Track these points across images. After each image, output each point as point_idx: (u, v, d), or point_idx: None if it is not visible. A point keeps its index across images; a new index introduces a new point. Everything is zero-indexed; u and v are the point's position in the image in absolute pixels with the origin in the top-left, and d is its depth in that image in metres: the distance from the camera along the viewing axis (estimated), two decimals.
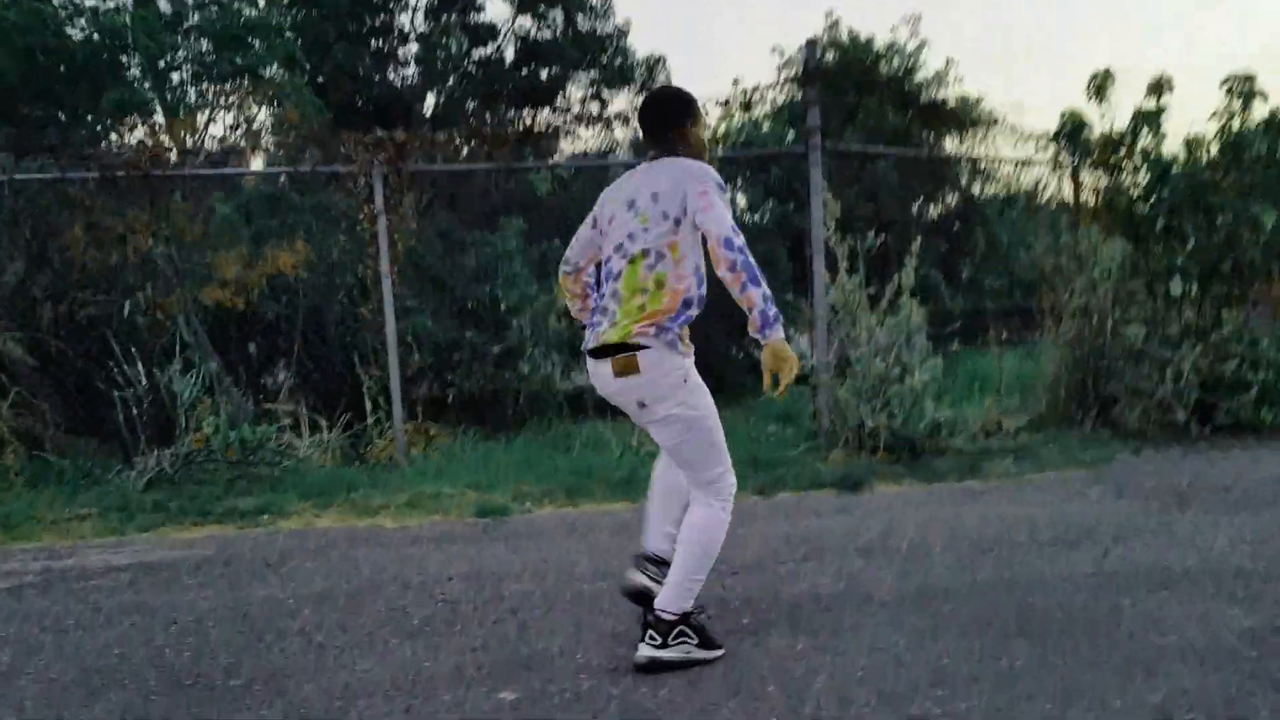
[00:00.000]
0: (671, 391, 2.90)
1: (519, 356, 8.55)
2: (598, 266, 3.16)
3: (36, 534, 5.39)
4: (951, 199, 18.47)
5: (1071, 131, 7.84)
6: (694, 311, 2.95)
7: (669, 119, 3.08)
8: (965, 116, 19.22)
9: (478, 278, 13.65)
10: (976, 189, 18.12)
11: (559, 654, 3.14)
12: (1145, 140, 7.82)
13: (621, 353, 2.88)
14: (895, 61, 17.93)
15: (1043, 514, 4.84)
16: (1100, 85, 7.86)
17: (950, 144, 17.82)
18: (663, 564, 3.13)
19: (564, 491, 5.87)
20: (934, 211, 19.57)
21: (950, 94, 21.11)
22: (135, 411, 6.21)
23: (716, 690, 2.80)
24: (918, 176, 14.23)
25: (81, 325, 6.87)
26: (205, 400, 6.14)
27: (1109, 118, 8.05)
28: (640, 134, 3.09)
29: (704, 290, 2.99)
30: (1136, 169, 7.90)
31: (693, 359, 2.98)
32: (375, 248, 6.92)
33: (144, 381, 6.18)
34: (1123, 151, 7.81)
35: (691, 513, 3.02)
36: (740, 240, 2.77)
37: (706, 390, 2.98)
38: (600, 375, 2.98)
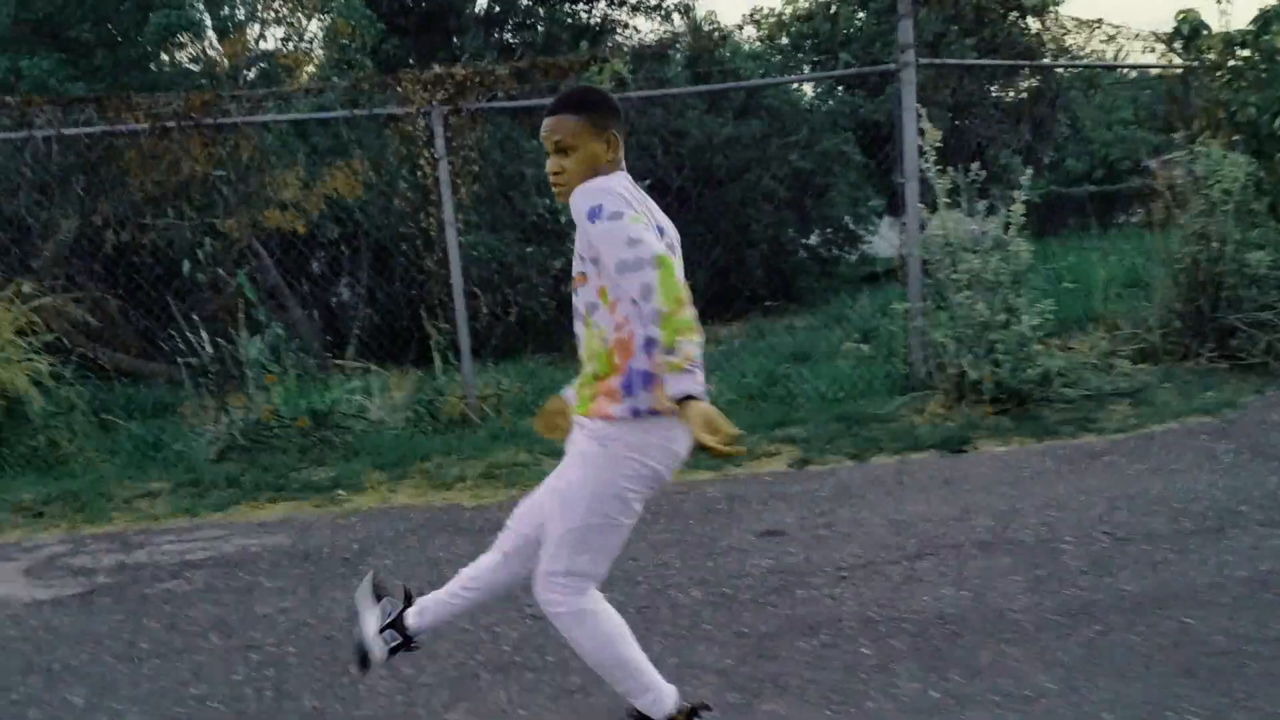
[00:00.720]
0: None
1: None
2: None
3: (107, 514, 5.26)
4: (1034, 80, 17.30)
5: (1190, 34, 7.12)
6: None
7: None
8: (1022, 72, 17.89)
9: (538, 189, 13.20)
10: (1059, 71, 17.03)
11: None
12: (1271, 40, 7.09)
13: None
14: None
15: (1176, 488, 4.42)
16: None
17: (1035, 25, 16.68)
18: None
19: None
20: (1012, 95, 18.44)
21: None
22: (200, 379, 6.02)
23: None
24: (1000, 54, 13.17)
25: (142, 286, 6.66)
26: (272, 374, 5.89)
27: (1228, 17, 7.31)
28: (617, 139, 2.37)
29: None
30: (1262, 75, 7.18)
31: None
32: (438, 194, 6.56)
33: (208, 349, 5.96)
34: (1244, 55, 7.09)
35: None
36: None
37: None
38: None
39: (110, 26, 14.80)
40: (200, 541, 4.72)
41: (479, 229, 11.47)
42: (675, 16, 23.68)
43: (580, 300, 2.35)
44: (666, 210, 2.49)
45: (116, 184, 6.88)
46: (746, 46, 22.70)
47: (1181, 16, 7.16)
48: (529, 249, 12.66)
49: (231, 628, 3.63)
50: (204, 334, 6.01)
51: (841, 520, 4.29)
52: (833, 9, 21.73)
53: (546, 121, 2.37)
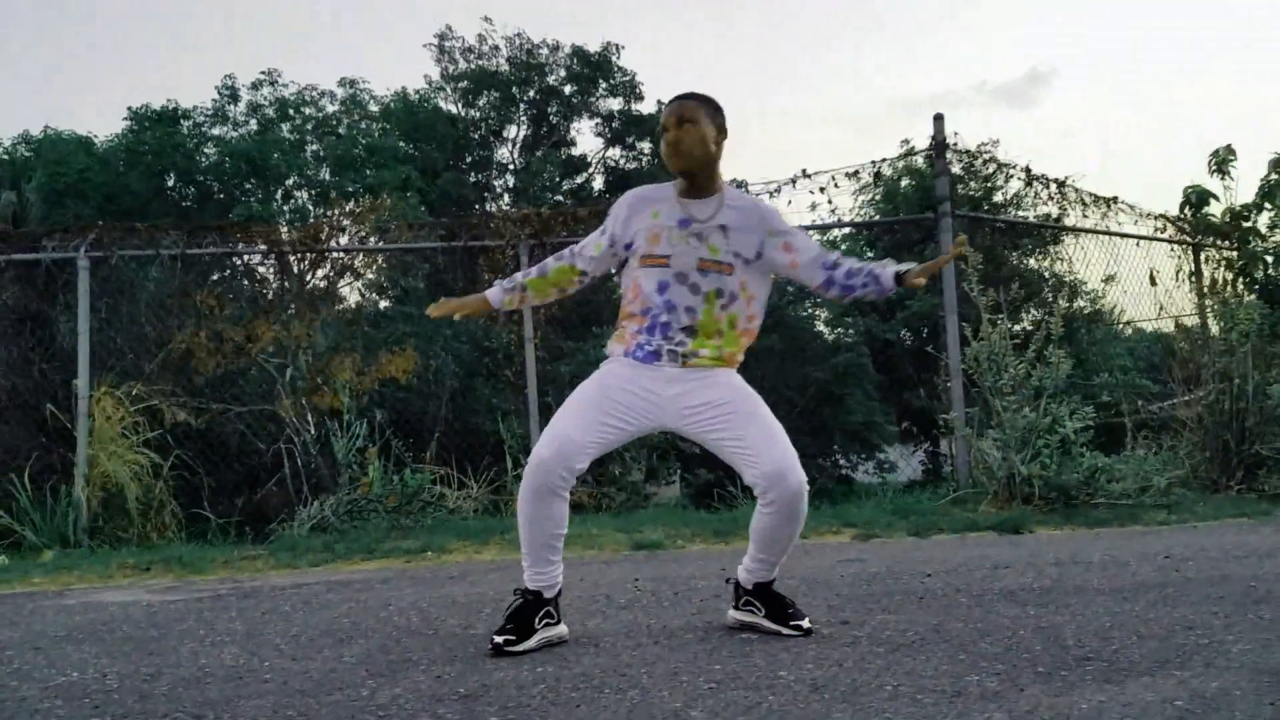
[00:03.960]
0: None
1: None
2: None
3: (213, 570, 5.56)
4: (1035, 314, 18.42)
5: (1197, 203, 7.96)
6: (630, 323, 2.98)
7: None
8: (1046, 234, 19.46)
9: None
10: (1061, 303, 18.16)
11: None
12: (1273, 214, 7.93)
13: None
14: (972, 185, 18.28)
15: (1227, 540, 4.76)
16: (1222, 161, 8.02)
17: (1037, 261, 18.10)
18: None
19: (711, 532, 5.91)
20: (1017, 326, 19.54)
21: (1030, 214, 21.44)
22: (300, 463, 6.46)
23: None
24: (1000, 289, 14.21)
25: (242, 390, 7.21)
26: (371, 449, 6.36)
27: (1232, 191, 8.18)
28: (726, 134, 3.04)
29: (635, 308, 2.95)
30: (1264, 239, 7.97)
31: (619, 359, 2.95)
32: (520, 315, 7.23)
33: (312, 432, 6.44)
34: (1251, 222, 7.91)
35: None
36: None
37: (593, 379, 2.98)
38: None
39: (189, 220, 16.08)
40: (309, 578, 5.04)
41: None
42: None
43: (711, 283, 2.88)
44: None
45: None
46: None
47: (1190, 189, 8.03)
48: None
49: (368, 608, 3.94)
50: (309, 420, 6.49)
51: (921, 558, 4.63)
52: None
53: (672, 104, 2.91)
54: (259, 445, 7.09)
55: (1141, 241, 8.54)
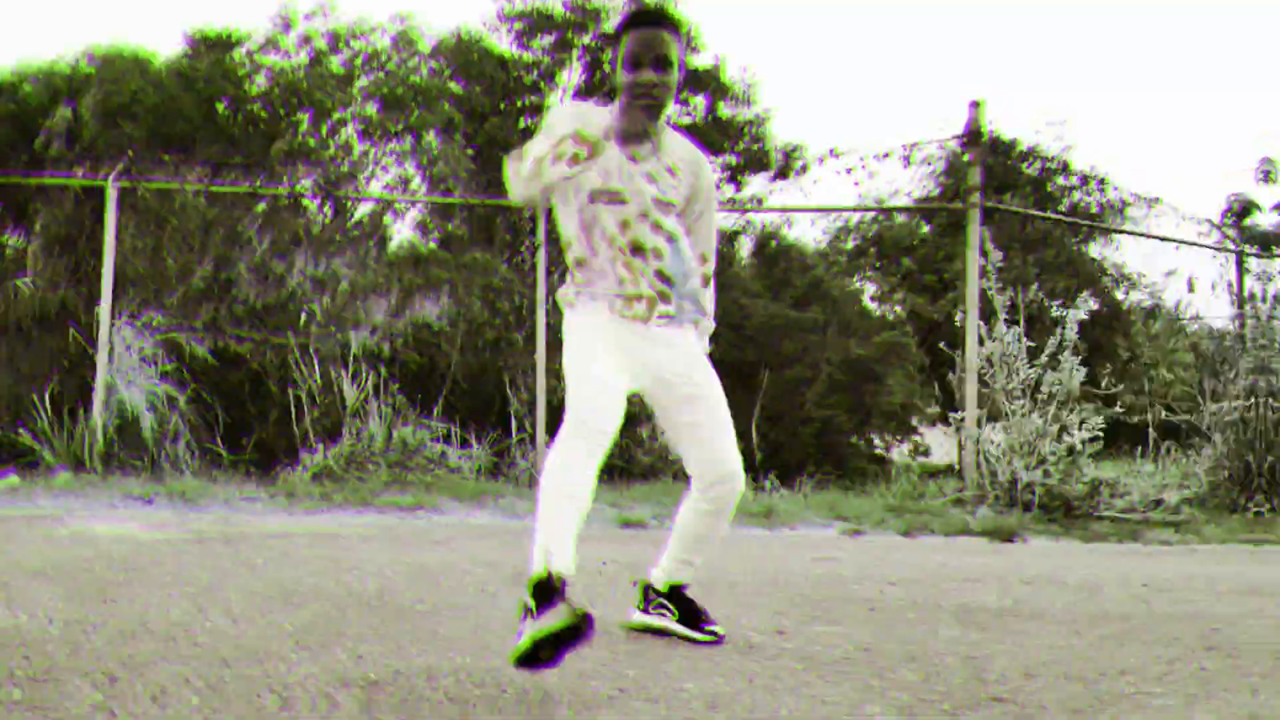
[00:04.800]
0: None
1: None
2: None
3: (211, 507, 5.70)
4: (1092, 303, 18.03)
5: (1241, 212, 7.72)
6: (581, 274, 2.64)
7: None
8: (1109, 220, 18.99)
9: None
10: (1119, 295, 17.72)
11: None
12: None
13: None
14: (1038, 164, 17.93)
15: (1208, 570, 4.67)
16: (1269, 170, 7.76)
17: (1093, 247, 17.67)
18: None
19: None
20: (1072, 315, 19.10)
21: (1095, 200, 20.96)
22: (306, 408, 6.56)
23: None
24: (1059, 275, 13.98)
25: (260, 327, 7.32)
26: (373, 401, 6.45)
27: None
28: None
29: (590, 252, 2.59)
30: None
31: (584, 310, 2.65)
32: (534, 278, 7.24)
33: (318, 379, 6.53)
34: None
35: None
36: None
37: (581, 338, 2.65)
38: None
39: (239, 150, 16.23)
40: (297, 528, 5.14)
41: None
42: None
43: (671, 225, 2.63)
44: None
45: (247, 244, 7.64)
46: (812, 246, 23.93)
47: (1234, 197, 7.79)
48: None
49: (335, 559, 4.02)
50: (316, 366, 6.58)
51: (896, 561, 4.61)
52: (898, 219, 23.14)
53: (646, 32, 2.43)
54: (271, 387, 7.18)
55: (1182, 245, 8.33)
